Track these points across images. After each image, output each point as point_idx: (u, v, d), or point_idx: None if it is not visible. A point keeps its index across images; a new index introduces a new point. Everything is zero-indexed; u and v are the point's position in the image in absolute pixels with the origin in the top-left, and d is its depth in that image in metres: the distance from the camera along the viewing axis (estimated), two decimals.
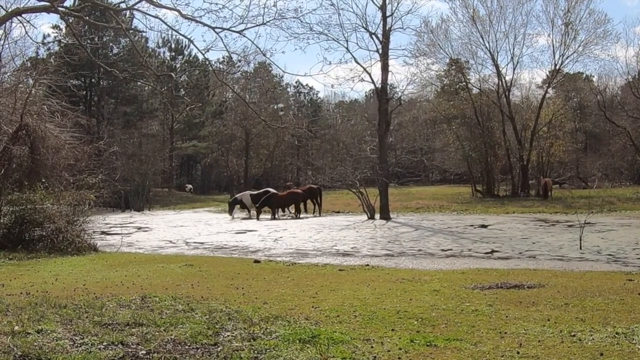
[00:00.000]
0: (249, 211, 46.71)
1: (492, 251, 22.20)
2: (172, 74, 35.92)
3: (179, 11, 23.56)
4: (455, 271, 16.02)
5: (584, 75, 78.09)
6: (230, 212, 46.67)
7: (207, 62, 35.26)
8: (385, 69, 43.70)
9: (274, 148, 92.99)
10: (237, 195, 50.20)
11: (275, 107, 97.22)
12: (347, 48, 46.16)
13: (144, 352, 7.33)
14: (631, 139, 62.40)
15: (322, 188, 49.27)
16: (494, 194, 60.72)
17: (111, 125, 68.65)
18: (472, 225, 33.33)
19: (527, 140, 63.12)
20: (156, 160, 70.50)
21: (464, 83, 65.64)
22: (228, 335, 8.21)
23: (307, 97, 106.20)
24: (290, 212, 46.13)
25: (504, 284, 12.73)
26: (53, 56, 57.37)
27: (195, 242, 27.55)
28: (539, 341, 7.93)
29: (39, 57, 60.35)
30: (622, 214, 39.40)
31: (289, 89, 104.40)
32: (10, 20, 24.11)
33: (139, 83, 63.45)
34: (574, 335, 8.16)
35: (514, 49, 63.13)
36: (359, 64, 46.03)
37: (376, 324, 9.06)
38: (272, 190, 48.72)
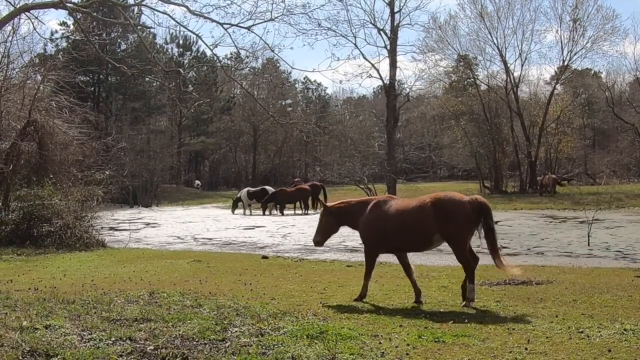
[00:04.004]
0: (245, 207, 46.75)
1: (501, 247, 22.13)
2: (180, 70, 35.96)
3: (187, 7, 23.66)
4: None
5: (592, 72, 77.68)
6: (233, 209, 46.88)
7: (215, 58, 35.28)
8: (393, 65, 43.84)
9: (282, 144, 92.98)
10: (239, 194, 50.35)
11: (284, 103, 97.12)
12: (355, 44, 46.35)
13: (152, 347, 7.34)
14: (639, 135, 62.24)
15: (325, 185, 49.23)
16: (502, 190, 60.65)
17: (119, 121, 68.79)
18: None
19: (535, 136, 62.99)
20: (164, 156, 70.63)
21: (472, 79, 65.53)
22: (236, 331, 8.21)
23: (315, 93, 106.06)
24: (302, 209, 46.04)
25: (512, 280, 12.72)
26: (61, 52, 57.46)
27: (203, 238, 27.60)
28: (547, 337, 7.92)
29: (46, 53, 60.52)
30: (631, 210, 39.33)
31: (297, 85, 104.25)
32: (18, 17, 24.16)
33: (147, 79, 63.51)
34: (582, 332, 8.15)
35: (522, 45, 63.05)
36: (367, 60, 46.17)
37: (384, 320, 9.06)
38: (269, 187, 48.68)
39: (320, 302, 10.58)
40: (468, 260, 10.42)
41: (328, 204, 11.84)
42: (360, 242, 11.54)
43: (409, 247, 11.04)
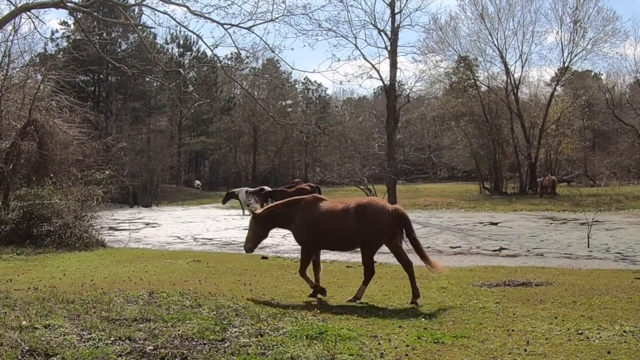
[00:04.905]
0: (243, 207, 46.72)
1: (501, 249, 22.21)
2: (181, 70, 35.94)
3: (187, 7, 23.68)
4: (463, 268, 16.01)
5: (593, 73, 77.84)
6: (224, 201, 46.97)
7: (216, 58, 35.33)
8: (393, 66, 43.79)
9: (282, 144, 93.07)
10: (235, 190, 50.25)
11: (284, 103, 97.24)
12: (355, 45, 46.23)
13: (151, 347, 7.33)
14: (639, 137, 62.28)
15: (325, 185, 49.11)
16: (502, 192, 60.69)
17: (119, 121, 68.76)
18: (481, 223, 33.34)
19: (535, 138, 63.00)
20: (164, 156, 70.60)
21: (473, 80, 65.56)
22: (235, 331, 8.21)
23: (315, 94, 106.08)
24: None
25: (512, 281, 12.74)
26: (61, 52, 57.48)
27: (203, 238, 27.59)
28: (546, 339, 7.92)
29: (47, 52, 60.53)
30: (630, 212, 39.32)
31: (297, 86, 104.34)
32: (19, 16, 24.15)
33: (147, 79, 63.50)
34: (581, 333, 8.15)
35: (522, 47, 63.11)
36: (367, 60, 46.14)
37: (383, 320, 9.07)
38: (267, 188, 48.66)
39: (320, 303, 10.59)
40: (372, 265, 11.17)
41: (257, 211, 12.50)
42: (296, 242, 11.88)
43: (334, 246, 12.16)
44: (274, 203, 13.38)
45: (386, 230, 10.91)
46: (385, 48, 44.39)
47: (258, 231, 12.00)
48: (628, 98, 71.94)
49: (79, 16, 26.58)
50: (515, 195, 57.83)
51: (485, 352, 7.37)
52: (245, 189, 49.60)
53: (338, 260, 18.21)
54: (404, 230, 11.05)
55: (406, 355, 7.28)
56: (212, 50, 27.59)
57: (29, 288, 11.85)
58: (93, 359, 6.92)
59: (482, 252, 21.25)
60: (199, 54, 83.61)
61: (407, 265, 11.03)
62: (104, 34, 41.97)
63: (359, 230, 10.83)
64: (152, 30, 63.21)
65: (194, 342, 7.64)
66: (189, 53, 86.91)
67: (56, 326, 8.18)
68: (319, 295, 11.31)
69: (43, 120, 24.78)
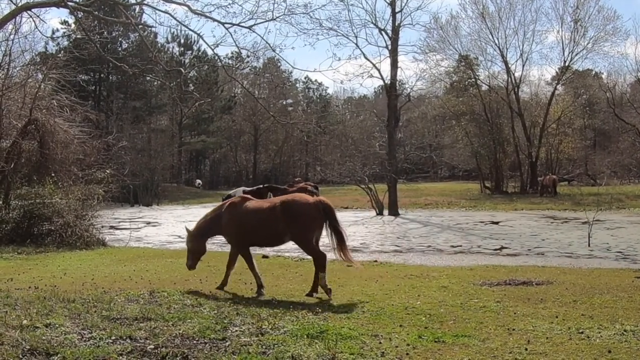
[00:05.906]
0: None
1: (501, 248, 22.20)
2: (181, 69, 35.93)
3: (188, 6, 23.66)
4: (464, 267, 16.00)
5: (593, 72, 77.82)
6: None
7: (217, 58, 35.41)
8: (394, 65, 43.69)
9: (283, 144, 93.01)
10: (230, 192, 50.21)
11: (284, 102, 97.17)
12: (356, 44, 46.17)
13: (152, 346, 7.34)
14: None
15: (326, 184, 48.87)
16: (502, 191, 60.71)
17: (120, 120, 68.66)
18: (482, 222, 33.34)
19: (536, 137, 63.04)
20: (165, 155, 70.60)
21: (473, 79, 65.59)
22: (236, 330, 8.22)
23: (316, 93, 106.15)
24: None
25: (512, 280, 12.72)
26: (62, 51, 57.46)
27: None
28: (547, 338, 7.91)
29: (48, 52, 60.49)
30: (631, 211, 39.32)
31: (298, 85, 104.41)
32: (20, 15, 24.14)
33: (148, 78, 63.45)
34: (582, 332, 8.15)
35: (523, 46, 63.28)
36: (368, 60, 46.00)
37: (384, 319, 9.06)
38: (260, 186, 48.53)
39: (321, 302, 10.59)
40: (316, 251, 11.31)
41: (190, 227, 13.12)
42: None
43: (263, 243, 12.64)
44: (204, 215, 13.62)
45: (314, 220, 11.26)
46: (386, 47, 44.31)
47: (196, 246, 12.76)
48: (629, 97, 71.84)
49: (79, 15, 26.57)
50: (516, 194, 57.87)
51: (486, 351, 7.36)
52: (242, 188, 49.47)
53: (339, 259, 18.18)
54: (328, 221, 11.31)
55: (407, 354, 7.28)
56: (212, 50, 27.56)
57: (29, 287, 11.84)
58: (94, 358, 6.93)
59: (482, 251, 21.24)
60: (200, 53, 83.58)
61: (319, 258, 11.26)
62: (105, 33, 41.94)
63: (289, 226, 11.25)
64: (153, 29, 63.39)
65: (194, 341, 7.65)
66: (189, 52, 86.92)
67: (57, 325, 8.19)
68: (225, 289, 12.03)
69: (44, 120, 24.77)
